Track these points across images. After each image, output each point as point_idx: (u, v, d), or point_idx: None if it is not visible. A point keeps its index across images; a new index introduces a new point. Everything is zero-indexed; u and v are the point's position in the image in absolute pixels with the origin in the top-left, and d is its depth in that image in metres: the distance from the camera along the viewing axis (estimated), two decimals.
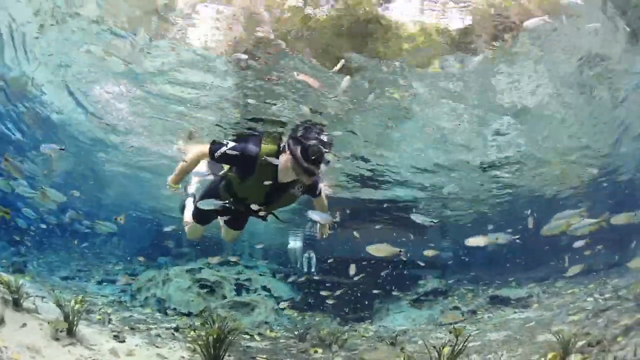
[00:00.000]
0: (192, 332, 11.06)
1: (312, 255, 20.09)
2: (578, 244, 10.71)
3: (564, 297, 14.94)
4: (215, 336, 7.58)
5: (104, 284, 21.57)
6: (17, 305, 7.71)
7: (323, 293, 15.94)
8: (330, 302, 16.36)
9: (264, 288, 19.05)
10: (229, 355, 7.94)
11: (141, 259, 24.33)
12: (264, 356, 9.65)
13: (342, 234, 26.04)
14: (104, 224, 13.69)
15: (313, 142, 6.74)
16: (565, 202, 20.76)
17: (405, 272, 21.12)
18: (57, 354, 6.63)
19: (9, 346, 6.09)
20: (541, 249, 20.48)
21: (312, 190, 8.01)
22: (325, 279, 20.25)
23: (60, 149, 10.82)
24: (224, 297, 16.86)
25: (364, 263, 19.98)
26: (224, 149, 6.90)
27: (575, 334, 7.74)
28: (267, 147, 7.17)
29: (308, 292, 19.85)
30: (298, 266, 22.72)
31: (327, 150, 6.85)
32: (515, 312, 14.43)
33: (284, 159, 6.94)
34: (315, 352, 10.51)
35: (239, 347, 9.64)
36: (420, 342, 11.58)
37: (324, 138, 7.03)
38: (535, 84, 9.92)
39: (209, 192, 7.98)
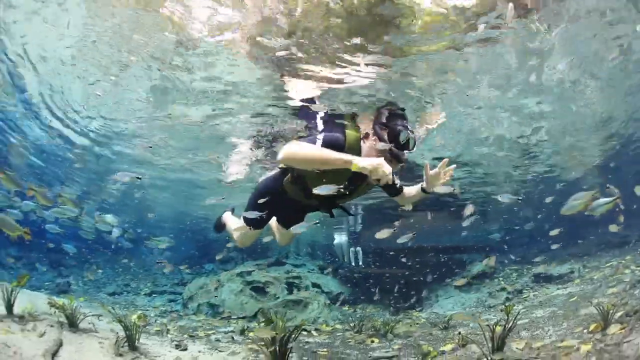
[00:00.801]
0: (252, 333, 11.17)
1: (359, 249, 20.09)
2: (613, 228, 11.65)
3: (603, 270, 15.19)
4: (281, 334, 7.61)
5: (153, 295, 21.92)
6: (73, 326, 7.83)
7: (371, 285, 15.93)
8: (379, 293, 16.35)
9: (314, 285, 19.26)
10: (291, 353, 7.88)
11: (184, 268, 24.39)
12: (324, 350, 9.78)
13: (387, 225, 26.17)
14: (159, 239, 13.86)
15: (401, 127, 6.34)
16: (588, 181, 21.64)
17: (450, 258, 21.05)
18: None
19: None
20: (579, 226, 20.41)
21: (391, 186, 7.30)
22: (373, 271, 20.26)
23: (137, 178, 11.02)
24: (277, 296, 17.05)
25: (406, 253, 20.04)
26: (318, 142, 6.20)
27: (614, 304, 8.17)
28: (351, 134, 6.55)
29: (357, 285, 20.13)
30: (345, 261, 22.67)
31: (414, 136, 6.42)
32: (558, 289, 14.66)
33: (368, 145, 6.43)
34: (372, 342, 10.64)
35: (298, 344, 9.85)
36: (472, 324, 11.85)
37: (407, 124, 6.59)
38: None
39: (265, 190, 7.51)
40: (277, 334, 7.58)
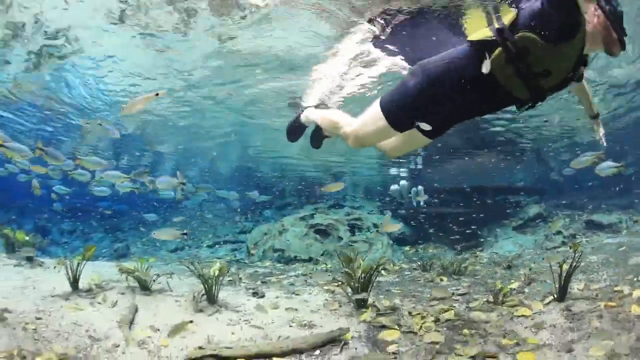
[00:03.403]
0: (328, 275, 11.59)
1: (420, 188, 20.16)
2: None
3: None
4: (364, 273, 8.00)
5: (216, 246, 22.16)
6: (146, 289, 8.06)
7: (431, 225, 16.08)
8: (440, 233, 16.56)
9: (375, 225, 19.29)
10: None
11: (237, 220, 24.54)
12: (397, 288, 10.16)
13: (446, 165, 26.18)
14: (228, 193, 14.22)
15: (621, 8, 4.74)
16: None
17: (506, 199, 21.13)
18: (207, 325, 6.83)
19: (152, 334, 6.28)
20: (624, 178, 20.50)
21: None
22: (433, 211, 20.46)
23: (181, 183, 11.35)
24: (340, 238, 17.48)
25: (467, 193, 20.16)
26: None
27: None
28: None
29: (417, 226, 20.42)
30: (406, 202, 22.80)
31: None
32: (608, 237, 14.94)
33: (595, 21, 4.70)
34: (442, 280, 11.09)
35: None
36: (533, 265, 12.33)
37: None
38: None
39: (454, 73, 5.15)
40: (364, 271, 8.01)
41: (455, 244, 18.49)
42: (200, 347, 5.75)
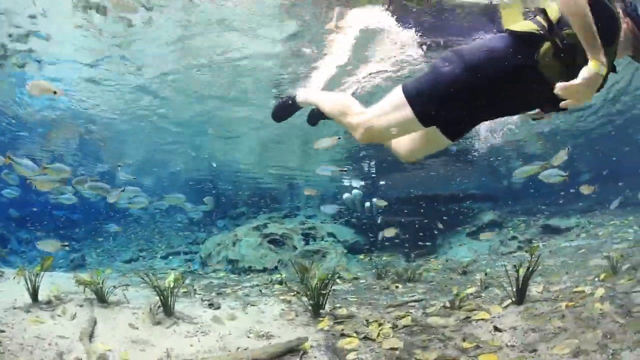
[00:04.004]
0: (279, 285, 11.56)
1: (374, 201, 20.17)
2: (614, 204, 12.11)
3: (607, 227, 15.92)
4: (320, 282, 7.87)
5: (170, 257, 22.12)
6: (103, 301, 7.81)
7: (386, 233, 16.08)
8: (394, 241, 16.62)
9: (330, 234, 19.41)
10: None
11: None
12: (353, 296, 10.10)
13: (399, 174, 26.34)
14: (175, 197, 14.17)
15: None
16: None
17: (460, 207, 21.32)
18: (165, 338, 6.68)
19: (113, 348, 6.10)
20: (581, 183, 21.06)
21: None
22: (387, 219, 20.49)
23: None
24: (295, 247, 17.41)
25: (420, 202, 20.26)
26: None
27: (622, 255, 8.96)
28: None
29: (371, 234, 20.30)
30: (359, 213, 22.83)
31: None
32: (565, 241, 15.30)
33: (625, 27, 4.55)
34: (397, 287, 11.03)
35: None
36: (489, 269, 12.36)
37: None
38: None
39: (493, 63, 4.63)
40: (320, 280, 7.85)
41: (409, 252, 18.53)
42: None
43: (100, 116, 16.87)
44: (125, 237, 27.72)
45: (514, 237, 17.13)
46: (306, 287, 8.01)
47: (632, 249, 10.92)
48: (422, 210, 20.32)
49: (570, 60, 4.33)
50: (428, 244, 18.80)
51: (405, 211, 21.26)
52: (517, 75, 4.56)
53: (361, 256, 17.99)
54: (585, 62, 4.09)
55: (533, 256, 7.57)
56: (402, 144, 5.90)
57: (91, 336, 6.35)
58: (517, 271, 7.40)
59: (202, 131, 19.31)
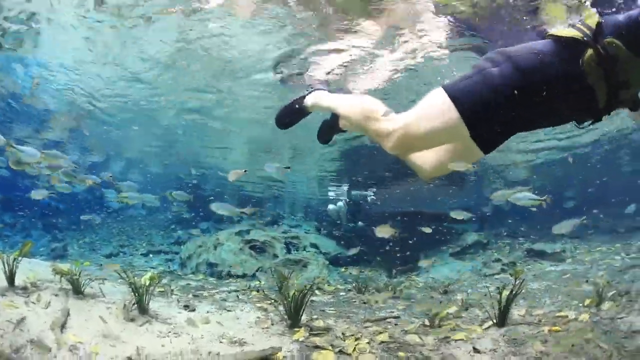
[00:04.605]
0: (255, 292, 11.38)
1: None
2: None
3: (593, 254, 16.07)
4: (299, 292, 7.69)
5: (150, 255, 22.02)
6: (79, 293, 7.70)
7: (369, 248, 16.00)
8: (376, 256, 16.51)
9: (312, 245, 19.35)
10: None
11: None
12: (332, 308, 9.94)
13: (386, 190, 26.35)
14: (150, 198, 14.05)
15: None
16: None
17: (445, 227, 21.27)
18: (137, 335, 6.56)
19: (84, 340, 5.97)
20: (570, 207, 21.05)
21: None
22: (370, 234, 20.46)
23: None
24: (276, 256, 17.28)
25: (405, 218, 20.17)
26: None
27: (608, 282, 9.09)
28: None
29: (354, 247, 19.78)
30: (343, 223, 22.72)
31: None
32: (551, 265, 15.33)
33: None
34: (376, 302, 10.88)
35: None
36: (470, 290, 12.45)
37: None
38: None
39: (545, 68, 4.38)
40: (298, 291, 7.68)
41: (391, 267, 18.33)
42: (128, 358, 5.50)
43: (90, 107, 16.76)
44: (108, 231, 27.61)
45: (497, 260, 17.05)
46: (284, 297, 7.87)
47: (618, 274, 11.04)
48: (407, 227, 20.26)
49: (612, 69, 4.24)
50: (411, 261, 18.75)
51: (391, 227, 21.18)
52: (567, 81, 4.36)
53: (342, 269, 17.96)
54: (626, 73, 4.17)
55: (517, 279, 7.48)
56: (427, 158, 5.35)
57: (63, 326, 6.23)
58: (500, 293, 7.32)
59: (189, 132, 19.32)
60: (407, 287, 13.29)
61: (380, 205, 26.05)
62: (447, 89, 4.53)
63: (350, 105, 5.50)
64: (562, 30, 4.52)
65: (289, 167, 11.27)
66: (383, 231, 11.85)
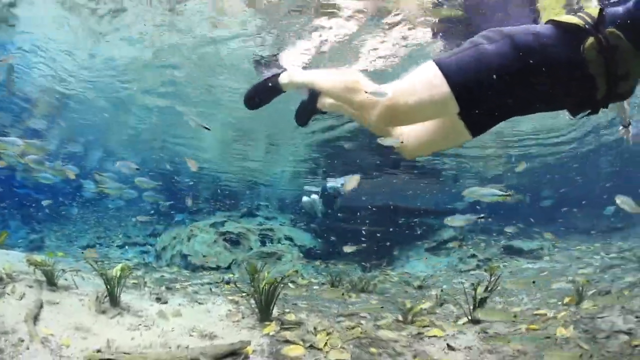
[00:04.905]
0: (227, 285, 11.43)
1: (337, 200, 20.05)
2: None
3: (572, 252, 16.22)
4: (269, 285, 7.62)
5: (126, 247, 22.03)
6: (52, 284, 7.59)
7: (344, 241, 15.94)
8: (351, 250, 16.53)
9: (287, 237, 19.24)
10: None
11: (141, 219, 23.86)
12: (304, 302, 9.88)
13: (361, 183, 26.41)
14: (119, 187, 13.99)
15: None
16: None
17: (421, 221, 21.30)
18: (108, 328, 6.46)
19: (55, 332, 5.91)
20: (550, 206, 21.16)
21: None
22: (346, 227, 20.31)
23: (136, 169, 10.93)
24: (250, 248, 17.25)
25: (381, 212, 20.11)
26: None
27: (588, 281, 8.99)
28: None
29: (329, 241, 20.01)
30: (319, 216, 22.62)
31: None
32: (528, 263, 15.47)
33: None
34: (350, 297, 10.82)
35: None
36: (445, 286, 12.44)
37: None
38: None
39: (544, 50, 4.17)
40: (268, 283, 7.59)
41: (365, 261, 18.32)
42: (98, 351, 5.41)
43: (69, 92, 16.47)
44: (84, 222, 27.58)
45: (473, 255, 17.09)
46: (255, 290, 7.77)
47: (597, 274, 10.99)
48: (382, 221, 20.18)
49: (612, 59, 4.07)
50: (386, 255, 18.72)
51: (366, 220, 21.14)
52: (566, 67, 4.14)
53: (317, 262, 17.88)
54: (627, 64, 4.04)
55: (493, 275, 7.52)
56: (413, 136, 5.00)
57: (36, 318, 6.19)
58: (475, 290, 7.29)
59: (166, 120, 19.05)
60: (382, 282, 13.26)
61: (355, 198, 26.08)
62: (438, 62, 4.20)
63: (330, 79, 5.13)
64: (563, 16, 4.30)
65: (138, 168, 11.16)
66: (352, 182, 11.58)
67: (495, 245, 18.78)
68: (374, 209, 21.72)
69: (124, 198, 25.63)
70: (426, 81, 4.18)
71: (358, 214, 21.79)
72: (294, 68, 5.93)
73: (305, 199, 22.62)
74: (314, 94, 5.80)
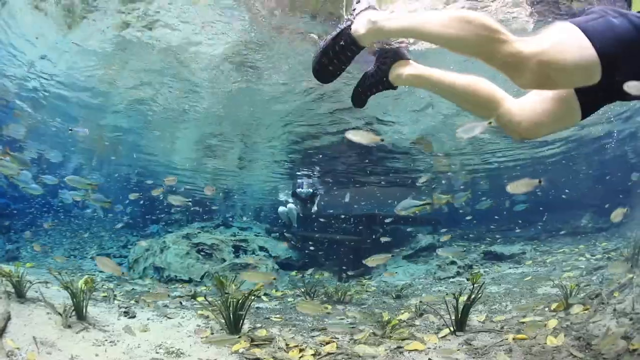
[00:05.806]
0: (200, 299, 11.09)
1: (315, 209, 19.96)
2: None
3: (555, 255, 16.04)
4: (238, 300, 7.52)
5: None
6: (21, 296, 7.56)
7: (320, 251, 15.80)
8: (327, 259, 16.28)
9: (261, 248, 19.05)
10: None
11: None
12: (278, 316, 9.68)
13: (337, 191, 26.26)
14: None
15: None
16: None
17: (398, 229, 21.64)
18: (73, 343, 6.38)
19: (22, 346, 5.87)
20: (529, 210, 21.23)
21: None
22: (321, 237, 20.17)
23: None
24: (224, 260, 16.85)
25: (357, 220, 19.97)
26: None
27: (577, 285, 8.64)
28: None
29: (304, 251, 19.99)
30: (295, 225, 22.50)
31: None
32: (510, 268, 15.22)
33: None
34: (326, 308, 10.59)
35: (249, 309, 9.13)
36: (423, 294, 12.21)
37: None
38: None
39: None
40: (235, 299, 7.51)
41: (341, 271, 18.07)
42: None
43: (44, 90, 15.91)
44: (60, 233, 27.29)
45: (452, 262, 16.75)
46: (223, 304, 7.63)
47: (584, 277, 10.77)
48: (358, 230, 20.03)
49: None
50: (363, 264, 18.58)
51: (342, 230, 21.21)
52: None
53: (293, 273, 17.72)
54: None
55: (475, 284, 7.25)
56: (526, 114, 3.99)
57: (3, 331, 6.19)
58: (457, 299, 7.07)
59: (139, 127, 18.82)
60: (359, 292, 13.12)
61: (331, 207, 25.96)
62: (581, 26, 3.42)
63: (446, 21, 3.50)
64: None
65: (94, 186, 11.08)
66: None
67: (475, 251, 18.73)
68: (350, 216, 21.58)
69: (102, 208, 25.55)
70: (572, 41, 3.37)
71: (335, 223, 21.63)
72: (371, 11, 4.04)
73: (281, 208, 22.51)
74: (385, 63, 4.39)
